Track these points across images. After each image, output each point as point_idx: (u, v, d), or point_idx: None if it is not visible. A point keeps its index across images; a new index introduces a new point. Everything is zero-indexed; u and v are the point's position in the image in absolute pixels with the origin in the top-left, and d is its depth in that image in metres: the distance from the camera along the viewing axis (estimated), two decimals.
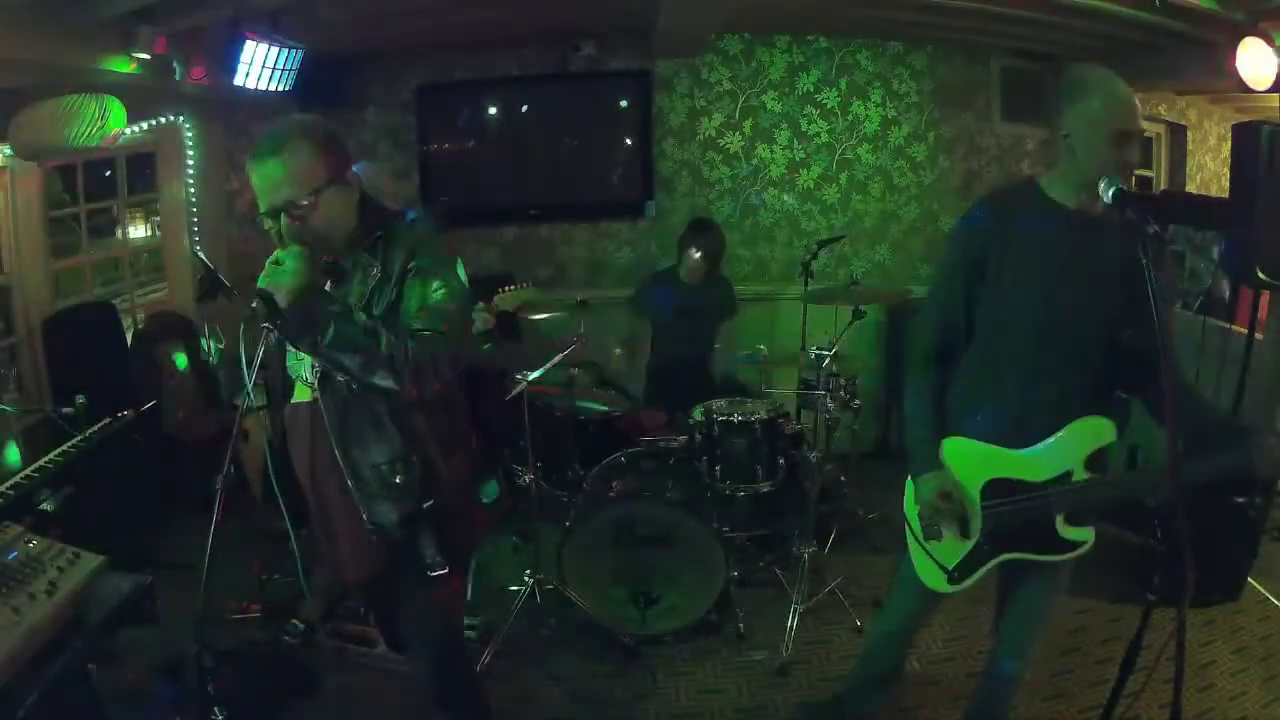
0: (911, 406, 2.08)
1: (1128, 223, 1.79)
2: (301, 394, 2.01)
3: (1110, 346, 1.92)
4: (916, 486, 2.07)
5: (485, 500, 3.61)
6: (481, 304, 3.54)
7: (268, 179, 1.76)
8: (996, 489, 1.99)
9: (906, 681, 2.83)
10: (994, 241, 1.94)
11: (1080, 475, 1.93)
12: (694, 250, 4.08)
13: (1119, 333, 1.91)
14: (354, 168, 1.89)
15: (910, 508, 2.14)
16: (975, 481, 2.01)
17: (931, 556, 2.10)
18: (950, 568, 2.08)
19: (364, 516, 1.95)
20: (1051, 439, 1.93)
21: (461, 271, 1.91)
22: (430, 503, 1.95)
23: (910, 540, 2.17)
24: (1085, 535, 1.95)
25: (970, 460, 2.01)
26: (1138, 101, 1.85)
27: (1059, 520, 1.95)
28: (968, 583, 2.08)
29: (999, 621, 2.21)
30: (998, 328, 1.97)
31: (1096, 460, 1.93)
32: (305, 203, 1.77)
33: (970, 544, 2.05)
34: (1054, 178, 1.94)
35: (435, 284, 1.82)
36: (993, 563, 2.05)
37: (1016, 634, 2.16)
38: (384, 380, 1.75)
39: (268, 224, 1.81)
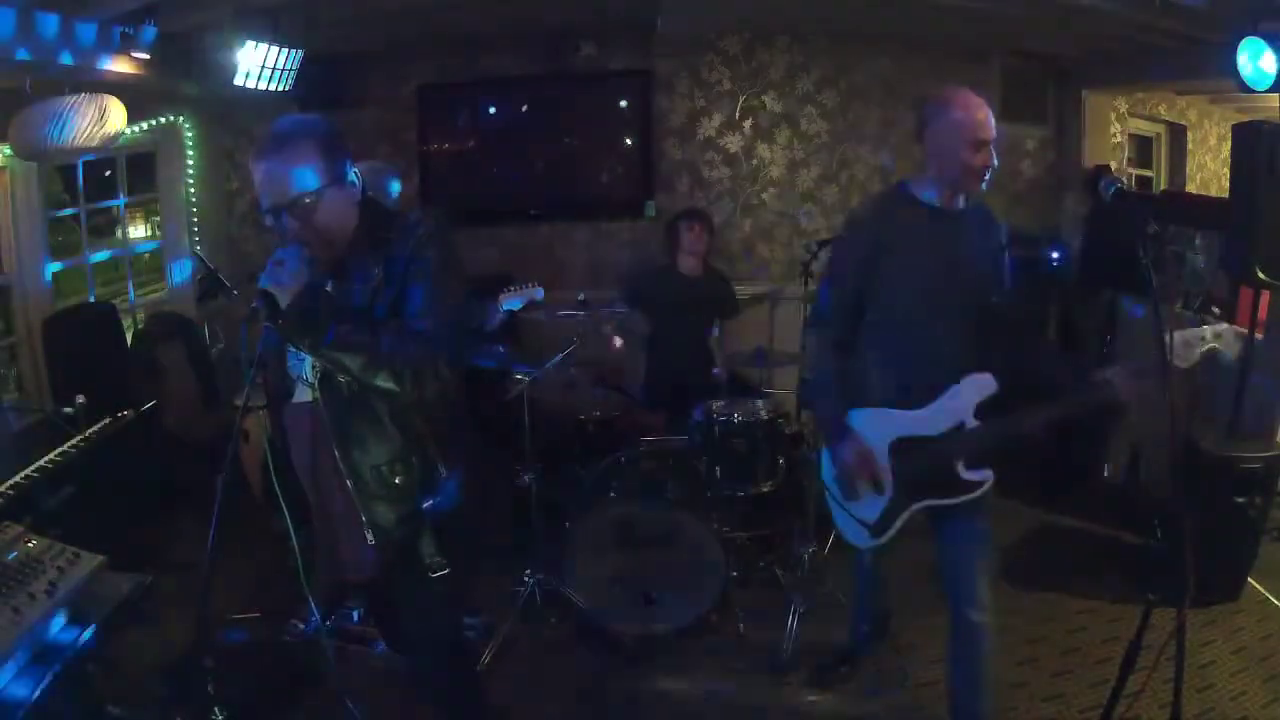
0: (821, 389, 2.37)
1: (983, 214, 2.25)
2: (301, 394, 2.00)
3: (980, 315, 2.21)
4: (834, 453, 2.32)
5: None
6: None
7: (270, 178, 1.76)
8: (902, 446, 2.24)
9: (906, 683, 2.85)
10: (876, 241, 2.21)
11: (971, 424, 2.17)
12: (686, 228, 4.07)
13: (986, 303, 2.22)
14: (356, 168, 1.89)
15: (828, 475, 2.40)
16: (883, 443, 2.26)
17: (853, 516, 2.36)
18: (871, 522, 2.32)
19: (364, 517, 1.95)
20: (943, 397, 2.19)
21: (462, 272, 1.91)
22: (430, 503, 1.95)
23: (833, 506, 2.43)
24: (984, 475, 2.19)
25: (876, 425, 2.27)
26: (989, 113, 2.12)
27: (959, 465, 2.18)
28: (889, 534, 2.32)
29: (944, 585, 2.32)
30: (886, 313, 2.24)
31: (983, 409, 2.18)
32: (307, 202, 1.77)
33: (885, 499, 2.29)
34: (921, 182, 2.24)
35: (437, 285, 1.82)
36: (907, 513, 2.28)
37: (957, 579, 2.28)
38: (385, 381, 1.75)
39: (270, 223, 1.81)
